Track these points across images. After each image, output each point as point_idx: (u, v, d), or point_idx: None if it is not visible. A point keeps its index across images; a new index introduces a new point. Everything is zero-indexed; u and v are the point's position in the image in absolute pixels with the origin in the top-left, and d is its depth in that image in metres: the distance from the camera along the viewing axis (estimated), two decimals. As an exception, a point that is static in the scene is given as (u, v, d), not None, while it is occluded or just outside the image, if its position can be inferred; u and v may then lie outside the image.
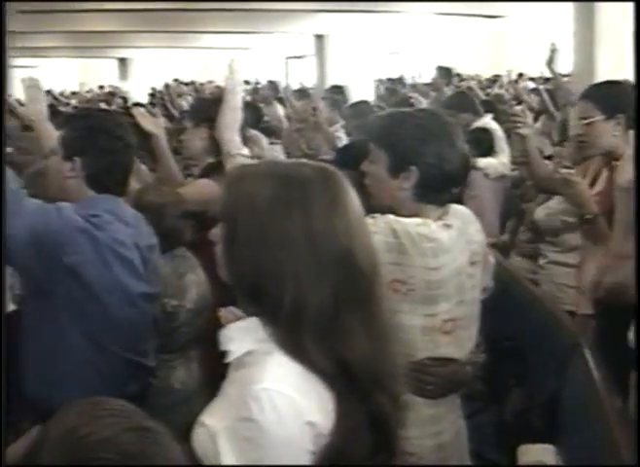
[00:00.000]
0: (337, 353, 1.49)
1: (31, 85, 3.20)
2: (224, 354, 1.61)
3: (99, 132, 2.53)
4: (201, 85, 18.14)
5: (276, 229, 1.51)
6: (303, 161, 1.70)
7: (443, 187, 2.27)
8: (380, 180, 2.30)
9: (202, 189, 3.42)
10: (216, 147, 3.35)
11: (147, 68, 18.85)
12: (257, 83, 16.41)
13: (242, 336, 1.57)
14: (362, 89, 10.63)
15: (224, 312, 1.84)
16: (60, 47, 17.86)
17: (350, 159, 2.56)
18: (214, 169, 3.44)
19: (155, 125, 3.60)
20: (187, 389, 3.10)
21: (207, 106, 3.64)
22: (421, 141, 2.22)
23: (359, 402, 1.50)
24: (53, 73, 22.26)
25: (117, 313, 2.47)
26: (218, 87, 17.24)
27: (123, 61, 19.17)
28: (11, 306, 2.95)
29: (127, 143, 2.59)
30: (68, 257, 2.37)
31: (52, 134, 2.89)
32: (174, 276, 3.04)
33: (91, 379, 2.46)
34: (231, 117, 2.77)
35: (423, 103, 8.23)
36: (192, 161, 3.82)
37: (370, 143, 2.34)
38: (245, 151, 2.85)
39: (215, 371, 3.09)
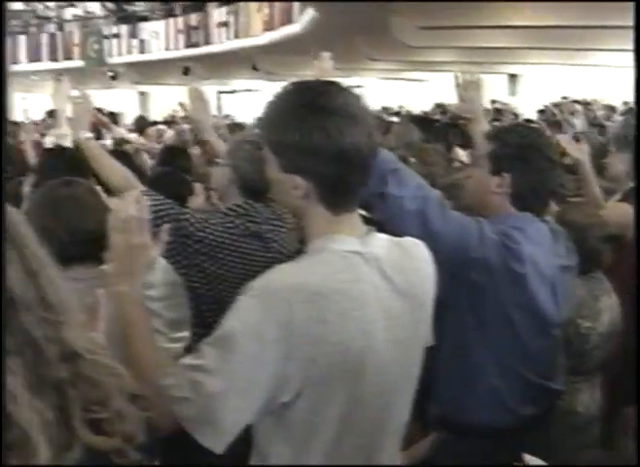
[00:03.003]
0: None
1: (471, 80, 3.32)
2: (627, 382, 1.58)
3: (532, 150, 2.50)
4: (589, 104, 17.79)
5: None
6: None
7: None
8: None
9: (622, 212, 3.43)
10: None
11: (536, 84, 18.76)
12: None
13: None
14: None
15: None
16: (451, 62, 18.33)
17: None
18: (633, 195, 3.45)
19: (580, 151, 3.66)
20: (588, 414, 3.05)
21: (630, 130, 3.67)
22: None
23: None
24: (441, 87, 22.90)
25: (526, 334, 2.44)
26: (607, 106, 16.83)
27: (512, 77, 19.26)
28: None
29: (555, 162, 2.57)
30: (478, 274, 2.35)
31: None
32: (590, 298, 3.00)
33: (490, 397, 2.46)
34: None
35: None
36: (613, 183, 3.81)
37: None
38: None
39: (616, 399, 3.04)
